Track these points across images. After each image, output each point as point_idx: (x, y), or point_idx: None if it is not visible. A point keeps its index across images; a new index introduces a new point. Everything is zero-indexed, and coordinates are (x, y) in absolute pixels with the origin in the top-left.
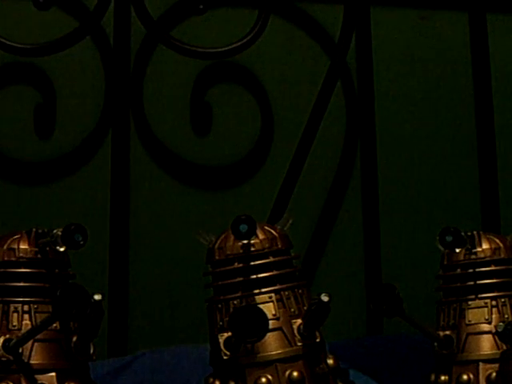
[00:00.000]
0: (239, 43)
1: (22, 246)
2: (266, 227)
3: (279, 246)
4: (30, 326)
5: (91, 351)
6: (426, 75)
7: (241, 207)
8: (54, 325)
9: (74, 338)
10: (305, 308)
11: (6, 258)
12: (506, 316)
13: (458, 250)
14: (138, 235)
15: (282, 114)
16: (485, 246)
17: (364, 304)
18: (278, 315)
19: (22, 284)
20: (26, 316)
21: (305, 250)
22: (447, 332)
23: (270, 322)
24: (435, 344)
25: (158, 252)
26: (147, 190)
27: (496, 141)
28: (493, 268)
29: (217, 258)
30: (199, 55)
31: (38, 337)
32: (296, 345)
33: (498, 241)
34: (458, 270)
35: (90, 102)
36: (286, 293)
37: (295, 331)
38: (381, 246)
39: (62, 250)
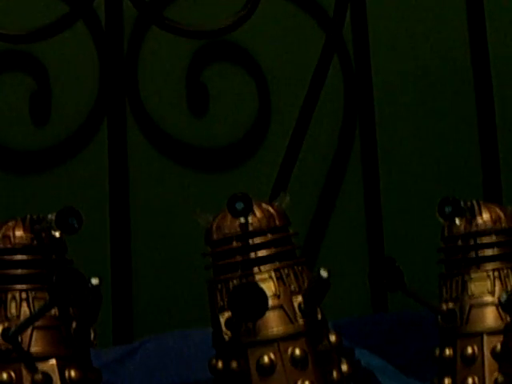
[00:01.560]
0: (233, 21)
1: (17, 233)
2: (264, 205)
3: (277, 224)
4: (28, 314)
5: (92, 337)
6: (423, 47)
7: (240, 188)
8: (53, 311)
9: (74, 324)
10: (305, 285)
11: (1, 246)
12: (509, 287)
13: (457, 221)
14: (138, 219)
15: (279, 92)
16: (485, 215)
17: (368, 281)
18: (278, 293)
19: (19, 271)
20: (25, 303)
21: (307, 228)
22: (450, 305)
23: (271, 300)
24: (439, 318)
25: (158, 235)
26: (145, 173)
27: (496, 110)
28: (494, 238)
29: (215, 237)
30: (193, 35)
31: (37, 324)
32: (297, 322)
33: (498, 210)
34: (459, 242)
35: (85, 86)
36: (286, 270)
37: (296, 309)
38: (383, 221)
39: (57, 235)
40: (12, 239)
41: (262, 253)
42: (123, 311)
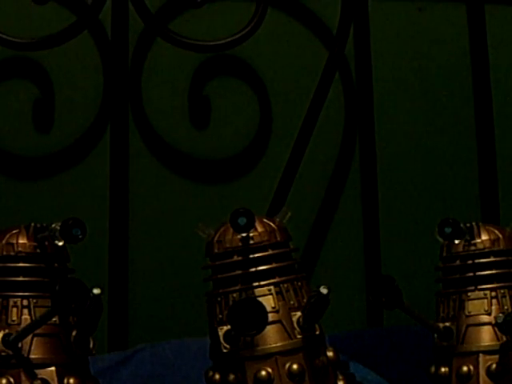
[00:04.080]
0: (237, 36)
1: (20, 241)
2: (265, 220)
3: (278, 239)
4: (29, 321)
5: (91, 345)
6: (424, 66)
7: (240, 200)
8: (54, 319)
9: (74, 333)
10: (304, 300)
11: (4, 253)
12: (506, 307)
13: (457, 242)
14: (138, 229)
15: (280, 107)
16: (484, 237)
17: (364, 296)
18: (277, 308)
19: (21, 279)
20: (26, 311)
21: (304, 242)
22: (447, 323)
23: (270, 314)
24: (435, 336)
25: (157, 246)
26: (146, 184)
27: (495, 131)
28: (492, 259)
29: (216, 251)
30: (197, 48)
31: (38, 331)
32: (296, 337)
33: (497, 232)
34: (458, 262)
35: (89, 95)
36: (286, 285)
37: (295, 324)
38: (380, 238)
39: (60, 244)
40: (15, 247)
41: (262, 267)
42: (119, 318)
